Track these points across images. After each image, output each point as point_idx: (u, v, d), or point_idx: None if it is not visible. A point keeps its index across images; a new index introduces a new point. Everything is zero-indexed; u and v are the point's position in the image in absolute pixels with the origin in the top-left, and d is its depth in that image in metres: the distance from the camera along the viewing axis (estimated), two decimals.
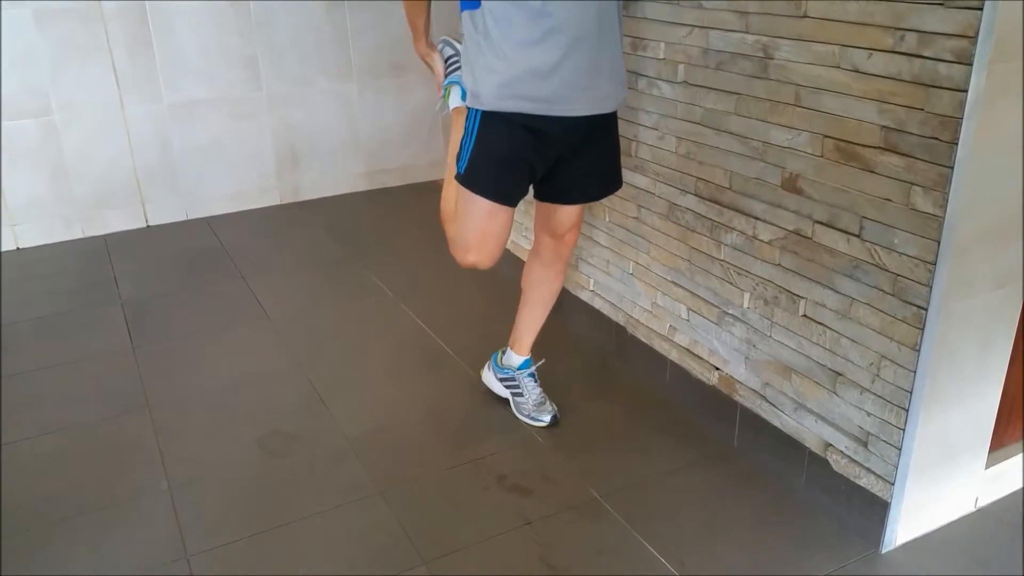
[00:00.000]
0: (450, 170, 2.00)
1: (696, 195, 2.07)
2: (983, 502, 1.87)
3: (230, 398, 2.42)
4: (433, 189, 4.41)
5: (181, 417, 2.32)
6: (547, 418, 2.20)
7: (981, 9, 1.33)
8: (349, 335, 2.80)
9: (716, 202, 2.01)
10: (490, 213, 1.89)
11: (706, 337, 2.14)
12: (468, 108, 1.86)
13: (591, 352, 2.59)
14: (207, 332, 2.82)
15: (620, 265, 2.43)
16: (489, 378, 2.33)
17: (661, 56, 2.08)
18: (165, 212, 3.82)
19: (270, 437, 2.22)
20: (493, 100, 1.78)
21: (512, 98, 1.76)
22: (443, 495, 1.98)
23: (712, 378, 2.15)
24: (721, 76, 1.91)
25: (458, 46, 2.06)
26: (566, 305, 2.67)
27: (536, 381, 2.24)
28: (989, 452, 1.82)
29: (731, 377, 2.08)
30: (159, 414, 2.33)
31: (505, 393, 2.29)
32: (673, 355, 2.28)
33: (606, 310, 2.55)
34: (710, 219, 2.04)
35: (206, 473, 2.07)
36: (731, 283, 2.01)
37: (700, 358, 2.18)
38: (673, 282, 2.22)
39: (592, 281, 2.58)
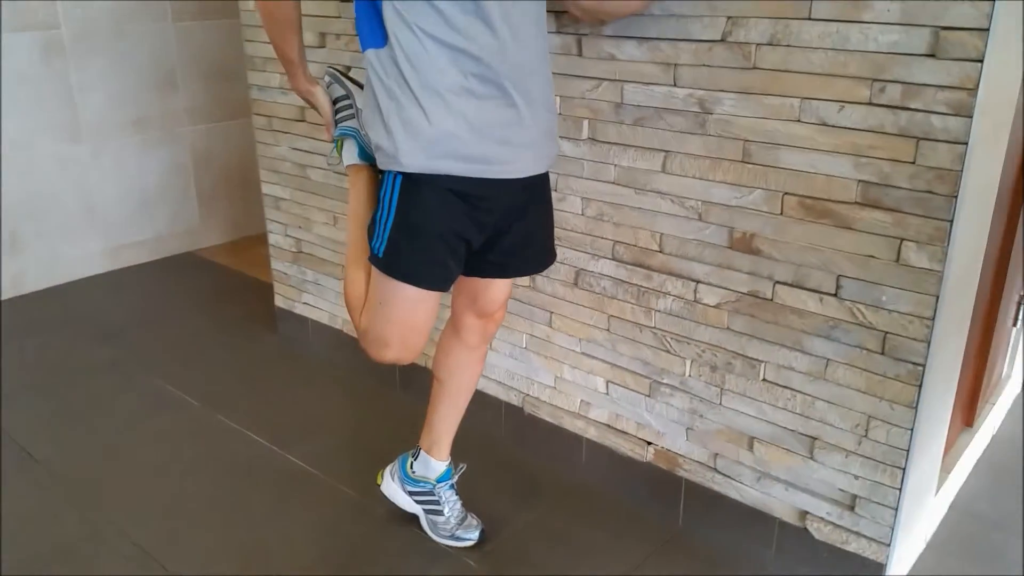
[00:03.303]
0: (354, 247, 1.61)
1: (614, 259, 1.88)
2: (927, 536, 1.90)
3: None
4: (192, 261, 3.79)
5: None
6: (475, 535, 1.86)
7: (981, 61, 1.31)
8: (161, 468, 2.18)
9: (642, 266, 1.84)
10: (416, 302, 1.54)
11: (633, 410, 1.96)
12: (384, 172, 1.50)
13: (482, 439, 2.26)
14: None
15: (509, 339, 2.17)
16: (393, 490, 1.92)
17: (556, 111, 1.88)
18: None
19: None
20: (417, 161, 1.44)
21: (440, 158, 1.43)
22: None
23: (645, 454, 1.97)
24: (642, 132, 1.75)
25: (350, 86, 1.66)
26: None
27: (456, 492, 1.89)
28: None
29: (669, 451, 1.92)
30: None
31: (415, 509, 1.90)
32: (591, 432, 2.07)
33: (492, 390, 2.27)
34: (635, 284, 1.86)
35: None
36: (667, 351, 1.86)
37: (627, 433, 2.00)
38: (584, 354, 2.01)
39: None
